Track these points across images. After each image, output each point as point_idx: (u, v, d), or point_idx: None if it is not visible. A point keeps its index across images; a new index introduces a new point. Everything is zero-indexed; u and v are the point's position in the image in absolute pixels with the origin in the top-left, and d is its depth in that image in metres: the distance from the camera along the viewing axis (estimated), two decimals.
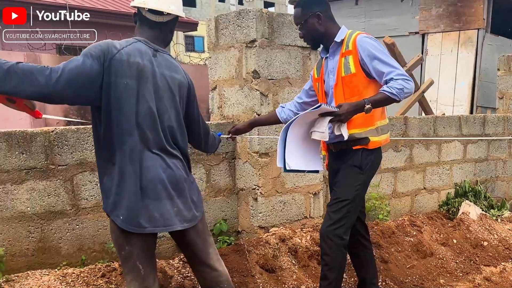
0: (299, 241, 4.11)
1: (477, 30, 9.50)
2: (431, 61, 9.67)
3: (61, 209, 3.47)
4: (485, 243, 4.94)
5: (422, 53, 10.06)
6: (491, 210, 5.77)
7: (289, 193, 4.27)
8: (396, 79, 2.77)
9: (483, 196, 5.95)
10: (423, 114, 8.35)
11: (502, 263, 4.66)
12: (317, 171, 3.20)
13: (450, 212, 5.64)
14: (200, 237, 2.56)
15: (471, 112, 9.59)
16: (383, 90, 2.79)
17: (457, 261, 4.59)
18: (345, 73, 2.98)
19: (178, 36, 26.52)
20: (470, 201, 5.67)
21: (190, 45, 30.23)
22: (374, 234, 4.47)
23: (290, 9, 42.68)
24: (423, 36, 10.30)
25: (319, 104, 2.84)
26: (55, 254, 3.48)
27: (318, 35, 3.08)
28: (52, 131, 3.39)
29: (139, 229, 2.28)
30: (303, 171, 3.17)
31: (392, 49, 5.89)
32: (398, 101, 2.83)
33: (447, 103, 9.83)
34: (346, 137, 2.86)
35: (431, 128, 5.65)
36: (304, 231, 4.26)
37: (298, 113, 3.04)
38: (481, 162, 6.24)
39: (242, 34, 4.00)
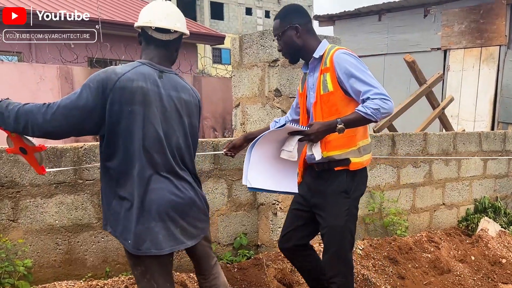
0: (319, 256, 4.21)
1: (499, 46, 9.52)
2: (452, 76, 9.70)
3: (88, 222, 3.59)
4: (504, 260, 4.97)
5: (444, 69, 10.11)
6: (511, 226, 5.79)
7: None
8: (373, 99, 2.64)
9: (503, 212, 5.98)
10: (443, 130, 8.41)
11: None
12: (292, 193, 3.04)
13: (470, 228, 5.68)
14: (202, 250, 2.63)
15: (492, 128, 9.59)
16: (357, 110, 2.67)
17: (475, 278, 4.64)
18: (323, 91, 2.86)
19: (206, 49, 26.85)
20: (490, 217, 5.71)
21: (218, 57, 30.60)
22: (391, 250, 4.55)
23: (315, 22, 42.91)
24: (445, 52, 10.35)
25: (284, 122, 2.84)
26: (81, 266, 3.59)
27: (296, 49, 2.97)
28: (81, 147, 3.52)
29: (146, 251, 2.30)
30: (273, 191, 3.07)
31: (412, 67, 5.97)
32: (374, 121, 2.71)
33: (468, 119, 9.86)
34: (317, 158, 2.82)
35: (451, 144, 5.71)
36: (321, 247, 4.35)
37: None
38: (501, 178, 6.27)
39: (265, 54, 4.14)
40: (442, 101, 6.83)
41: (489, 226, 5.44)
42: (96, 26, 10.20)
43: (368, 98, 2.64)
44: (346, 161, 2.86)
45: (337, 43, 4.32)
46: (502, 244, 5.23)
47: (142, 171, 2.30)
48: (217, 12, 36.30)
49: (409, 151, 5.30)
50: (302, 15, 2.97)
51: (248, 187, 2.87)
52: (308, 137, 2.72)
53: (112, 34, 11.57)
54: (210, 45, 22.14)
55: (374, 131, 5.69)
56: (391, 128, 5.93)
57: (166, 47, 2.48)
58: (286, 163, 2.85)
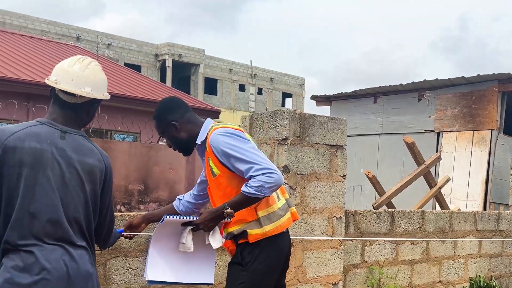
0: None
1: (490, 130, 10.02)
2: (445, 157, 10.09)
3: None
4: None
5: (436, 150, 10.54)
6: None
7: (310, 282, 4.47)
8: (256, 176, 2.58)
9: None
10: (437, 207, 8.66)
11: None
12: (205, 284, 2.95)
13: None
14: None
15: (484, 207, 9.88)
16: (242, 191, 2.62)
17: None
18: (213, 176, 2.81)
19: None
20: None
21: None
22: None
23: (307, 101, 44.05)
24: (438, 134, 10.82)
25: (163, 217, 2.74)
26: None
27: (183, 142, 2.92)
28: None
29: None
30: (178, 283, 2.97)
31: (411, 147, 6.32)
32: (262, 198, 2.66)
33: (460, 198, 10.16)
34: (214, 247, 2.76)
35: (447, 223, 5.92)
36: None
37: (198, 203, 3.05)
38: (495, 257, 6.46)
39: (275, 132, 4.41)
40: (438, 181, 7.14)
41: None
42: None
43: (251, 177, 2.60)
44: (244, 234, 2.79)
45: (337, 122, 4.64)
46: None
47: (21, 238, 2.08)
48: (210, 87, 37.22)
49: (407, 228, 5.51)
50: (175, 109, 2.91)
51: (147, 281, 2.83)
52: (198, 227, 2.71)
53: (110, 105, 11.75)
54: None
55: (374, 208, 5.93)
56: (390, 205, 6.19)
57: (73, 109, 2.29)
58: (201, 252, 2.81)
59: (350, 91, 12.19)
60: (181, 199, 3.18)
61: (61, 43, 19.20)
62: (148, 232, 3.43)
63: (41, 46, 16.36)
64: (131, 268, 3.61)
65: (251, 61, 40.91)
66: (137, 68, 30.44)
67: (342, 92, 12.33)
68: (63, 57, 15.44)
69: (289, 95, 43.46)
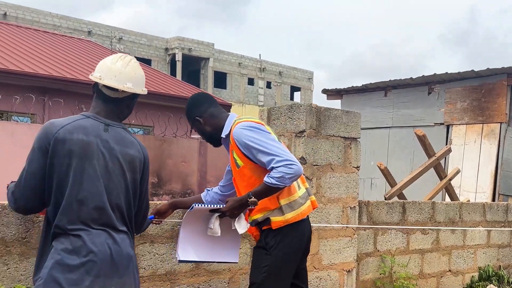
0: None
1: (499, 123, 10.14)
2: (455, 150, 10.23)
3: None
4: None
5: (446, 143, 10.68)
6: None
7: (325, 269, 4.65)
8: (277, 167, 2.76)
9: (506, 281, 6.26)
10: (446, 198, 8.81)
11: None
12: (230, 262, 3.23)
13: None
14: None
15: (493, 199, 10.02)
16: (264, 181, 2.81)
17: None
18: (237, 167, 3.01)
19: None
20: (494, 285, 6.00)
21: None
22: None
23: (315, 94, 44.11)
24: (447, 127, 10.95)
25: (192, 205, 2.95)
26: None
27: (209, 135, 3.15)
28: None
29: None
30: (207, 262, 3.29)
31: (422, 140, 6.48)
32: (283, 188, 2.85)
33: (470, 190, 10.31)
34: (240, 232, 2.95)
35: (457, 213, 6.08)
36: None
37: (224, 195, 3.29)
38: (504, 248, 6.61)
39: (292, 125, 4.58)
40: (448, 173, 7.29)
41: None
42: None
43: (272, 168, 2.78)
44: (267, 221, 2.99)
45: (351, 115, 4.81)
46: None
47: (70, 223, 2.25)
48: (220, 81, 37.41)
49: (418, 218, 5.68)
50: (199, 105, 3.14)
51: (178, 260, 3.08)
52: (224, 214, 2.92)
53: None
54: None
55: (386, 198, 6.11)
56: (401, 196, 6.36)
57: (115, 104, 2.45)
58: (226, 234, 3.01)
59: (361, 85, 12.32)
60: (209, 190, 3.42)
61: (74, 37, 19.44)
62: (174, 219, 3.66)
63: (55, 40, 16.61)
64: (157, 253, 3.79)
65: (260, 55, 41.12)
66: (147, 62, 30.70)
67: (352, 86, 12.47)
68: (77, 51, 15.72)
69: (298, 89, 43.56)
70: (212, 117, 3.13)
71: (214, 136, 3.15)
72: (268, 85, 40.82)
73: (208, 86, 35.19)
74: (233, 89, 38.32)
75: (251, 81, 39.64)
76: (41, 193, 2.30)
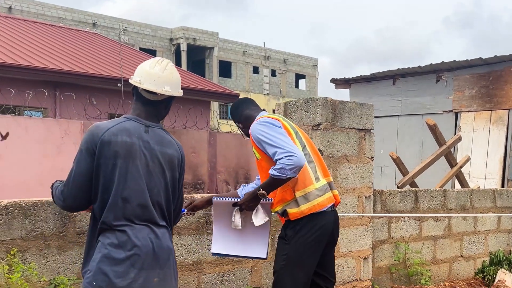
0: None
1: (508, 110, 10.22)
2: (464, 137, 10.30)
3: None
4: None
5: (455, 130, 10.78)
6: None
7: (343, 257, 4.80)
8: (279, 159, 2.90)
9: None
10: (455, 186, 8.94)
11: None
12: (258, 258, 3.37)
13: (486, 279, 6.11)
14: None
15: (502, 185, 10.13)
16: (269, 173, 2.96)
17: None
18: (257, 160, 3.22)
19: (213, 105, 27.78)
20: (505, 269, 6.15)
21: (224, 113, 31.30)
22: None
23: (320, 81, 43.99)
24: (456, 114, 11.04)
25: (211, 199, 3.21)
26: None
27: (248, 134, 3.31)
28: None
29: None
30: (238, 256, 3.42)
31: (433, 129, 6.61)
32: (287, 179, 2.94)
33: (479, 176, 10.43)
34: (256, 224, 3.09)
35: (468, 200, 6.22)
36: None
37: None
38: None
39: (308, 118, 4.70)
40: (458, 161, 7.41)
41: (506, 278, 5.88)
42: (118, 84, 10.80)
43: (276, 160, 2.92)
44: (285, 213, 3.16)
45: (365, 107, 4.93)
46: None
47: (115, 220, 2.39)
48: (225, 70, 37.43)
49: (430, 206, 5.82)
50: (237, 109, 3.43)
51: (212, 253, 3.31)
52: (240, 206, 3.10)
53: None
54: (225, 103, 22.92)
55: (398, 187, 6.25)
56: (413, 184, 6.50)
57: (154, 106, 2.58)
58: (256, 229, 3.16)
59: (369, 74, 12.41)
60: (245, 186, 3.58)
61: (81, 30, 19.51)
62: (201, 212, 3.81)
63: (62, 34, 16.70)
64: (184, 245, 3.97)
65: (264, 43, 41.06)
66: (152, 52, 30.74)
67: (361, 75, 12.55)
68: (85, 44, 15.83)
69: (303, 76, 43.55)
70: (247, 119, 3.35)
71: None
72: (273, 73, 40.83)
73: (213, 75, 35.24)
74: (238, 78, 38.36)
75: (256, 70, 39.65)
76: (88, 191, 2.44)
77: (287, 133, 3.15)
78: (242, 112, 3.39)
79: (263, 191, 2.99)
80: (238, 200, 3.12)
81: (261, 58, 39.86)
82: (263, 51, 40.15)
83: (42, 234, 3.35)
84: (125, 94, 10.76)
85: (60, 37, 16.02)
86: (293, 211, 3.13)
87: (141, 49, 29.22)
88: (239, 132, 3.67)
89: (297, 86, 43.19)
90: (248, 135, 3.33)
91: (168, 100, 2.65)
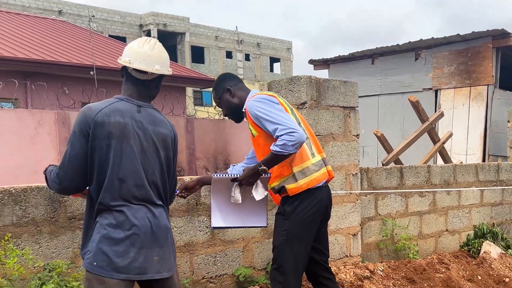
0: (344, 276, 4.65)
1: (486, 86, 10.33)
2: (444, 114, 10.47)
3: None
4: (507, 280, 5.46)
5: (435, 107, 10.85)
6: (508, 250, 6.30)
7: (333, 234, 4.80)
8: (281, 135, 2.91)
9: (500, 237, 6.47)
10: (438, 162, 9.00)
11: None
12: (259, 227, 3.50)
13: (471, 252, 6.17)
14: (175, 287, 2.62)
15: (484, 160, 10.26)
16: (270, 149, 2.96)
17: None
18: (253, 137, 3.21)
19: (188, 91, 27.53)
20: (489, 242, 6.22)
21: (199, 99, 30.99)
22: (408, 271, 5.02)
23: (295, 65, 43.96)
24: (436, 91, 11.11)
25: (212, 176, 3.19)
26: None
27: (235, 107, 3.29)
28: None
29: (116, 274, 2.36)
30: (239, 227, 3.55)
31: (416, 106, 6.61)
32: (289, 155, 2.97)
33: (460, 152, 10.54)
34: (257, 199, 3.12)
35: (451, 175, 6.26)
36: (347, 268, 4.81)
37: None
38: (496, 206, 6.82)
39: (293, 97, 4.64)
40: (441, 137, 7.45)
41: (491, 249, 5.95)
42: (91, 72, 10.50)
43: (277, 137, 2.93)
44: (283, 189, 3.19)
45: (349, 85, 4.89)
46: (504, 265, 5.74)
47: (112, 200, 2.40)
48: (197, 56, 37.05)
49: (415, 182, 5.84)
50: (231, 78, 3.36)
51: (212, 227, 3.36)
52: (240, 182, 3.12)
53: (108, 80, 11.80)
54: (200, 88, 22.69)
55: (383, 164, 6.24)
56: (397, 161, 6.50)
57: (145, 85, 2.57)
58: (254, 201, 3.19)
59: (347, 53, 12.39)
60: (235, 165, 3.59)
61: (48, 18, 19.02)
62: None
63: (29, 22, 16.28)
64: (175, 226, 3.94)
65: (236, 27, 40.65)
66: (122, 39, 30.09)
67: (339, 55, 12.52)
68: (54, 33, 15.45)
69: (277, 60, 43.43)
70: (241, 90, 3.32)
71: (238, 109, 3.30)
72: (247, 58, 40.62)
73: (185, 61, 34.89)
74: (211, 63, 38.05)
75: (229, 54, 39.38)
76: (84, 173, 2.44)
77: (285, 110, 3.13)
78: (237, 83, 3.35)
79: (265, 167, 3.00)
80: (238, 175, 3.13)
81: (234, 43, 39.61)
82: (236, 35, 39.88)
83: (33, 220, 3.34)
84: (98, 82, 10.58)
85: (27, 25, 15.60)
86: (291, 186, 3.16)
87: (110, 36, 28.65)
88: (216, 117, 3.62)
89: (271, 70, 43.09)
90: (236, 110, 3.32)
91: (158, 79, 2.64)
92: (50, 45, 13.67)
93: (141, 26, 34.40)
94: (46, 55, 12.48)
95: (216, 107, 3.66)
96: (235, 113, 3.36)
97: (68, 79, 11.43)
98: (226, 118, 3.51)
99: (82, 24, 27.80)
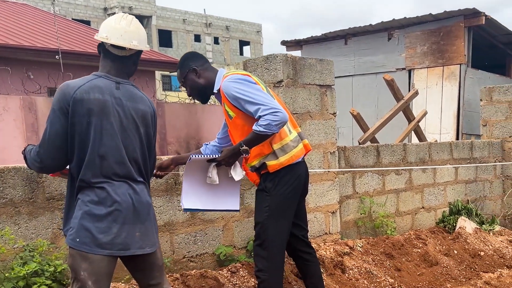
0: (324, 253, 4.67)
1: (459, 65, 10.43)
2: (418, 93, 10.57)
3: None
4: (482, 253, 5.57)
5: (409, 87, 10.93)
6: (483, 225, 6.42)
7: (312, 212, 4.80)
8: (264, 115, 2.90)
9: (474, 213, 6.58)
10: (412, 141, 9.08)
11: (499, 270, 5.30)
12: (231, 210, 3.40)
13: (447, 228, 6.26)
14: (158, 263, 2.65)
15: (457, 139, 10.41)
16: (253, 129, 2.95)
17: (459, 268, 5.20)
18: (230, 119, 3.16)
19: (156, 75, 27.14)
20: (464, 218, 6.31)
21: (167, 84, 30.61)
22: (386, 246, 5.07)
23: (265, 49, 43.82)
24: (409, 71, 11.18)
25: (189, 157, 3.13)
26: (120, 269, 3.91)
27: (201, 88, 3.23)
28: None
29: (99, 250, 2.37)
30: (211, 210, 3.50)
31: (391, 84, 6.62)
32: (272, 135, 2.98)
33: (434, 132, 10.66)
34: (236, 179, 3.14)
35: (427, 153, 6.32)
36: (327, 245, 4.83)
37: (222, 146, 3.40)
38: (470, 183, 6.93)
39: (270, 76, 4.60)
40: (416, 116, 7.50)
41: (466, 224, 6.04)
42: (56, 56, 10.21)
43: (260, 117, 2.92)
44: (264, 166, 3.18)
45: (325, 63, 4.86)
46: (479, 240, 5.84)
47: (93, 177, 2.40)
48: (165, 39, 36.58)
49: (391, 160, 5.87)
50: (198, 58, 3.28)
51: (183, 209, 3.28)
52: (219, 162, 3.11)
53: (74, 64, 11.52)
54: (170, 71, 22.40)
55: (359, 143, 6.26)
56: (374, 140, 6.52)
57: (123, 61, 2.55)
58: (227, 183, 3.21)
59: (320, 34, 12.36)
60: (207, 144, 3.58)
61: (8, 1, 18.37)
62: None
63: None
64: (155, 206, 3.84)
65: (204, 9, 40.33)
66: (86, 23, 29.42)
67: (312, 36, 12.48)
68: (16, 16, 14.93)
69: (247, 43, 43.20)
70: (207, 70, 3.26)
71: (205, 90, 3.26)
72: (216, 41, 40.29)
73: (153, 45, 34.40)
74: (180, 47, 37.59)
75: (197, 38, 39.00)
76: (65, 151, 2.43)
77: (261, 89, 3.12)
78: (203, 63, 3.28)
79: (246, 147, 2.99)
80: (217, 156, 3.11)
81: (202, 26, 39.23)
82: (204, 18, 39.48)
83: (11, 200, 3.31)
84: (64, 66, 10.30)
85: None
86: (272, 163, 3.16)
87: (74, 19, 27.97)
88: (187, 101, 3.56)
89: (241, 53, 42.85)
90: (202, 91, 3.27)
91: (136, 55, 2.63)
92: (12, 29, 13.14)
93: (105, 9, 33.74)
94: (9, 39, 12.00)
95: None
96: (201, 94, 3.30)
97: (33, 64, 11.09)
98: (197, 102, 3.45)
99: (44, 8, 27.11)
